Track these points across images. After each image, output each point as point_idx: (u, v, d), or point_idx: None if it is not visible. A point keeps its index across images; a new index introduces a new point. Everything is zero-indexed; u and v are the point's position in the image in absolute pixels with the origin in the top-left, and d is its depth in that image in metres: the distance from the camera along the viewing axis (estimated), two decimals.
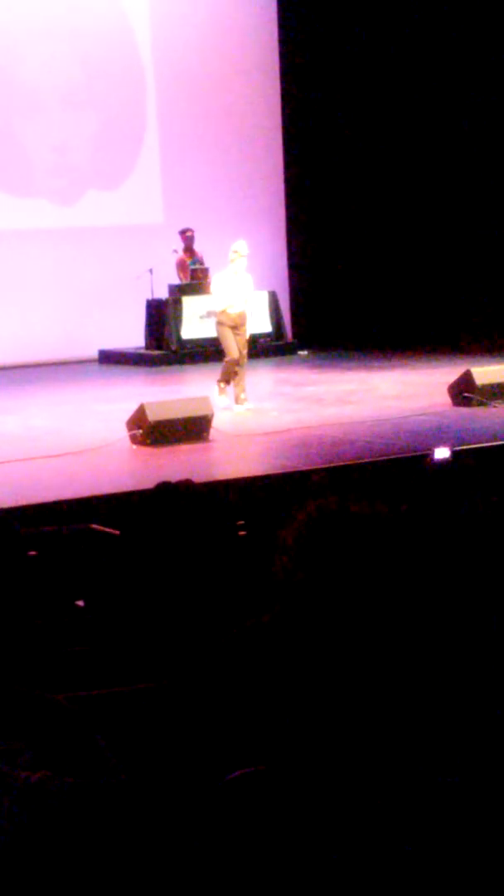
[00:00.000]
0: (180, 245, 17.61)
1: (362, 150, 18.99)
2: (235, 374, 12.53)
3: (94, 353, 17.90)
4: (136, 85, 18.91)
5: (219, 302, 12.62)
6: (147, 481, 6.03)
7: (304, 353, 17.99)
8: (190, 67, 19.01)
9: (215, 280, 13.12)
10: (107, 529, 5.39)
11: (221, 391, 12.52)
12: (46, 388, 14.93)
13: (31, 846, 1.59)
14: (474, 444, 9.83)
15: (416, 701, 1.75)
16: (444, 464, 8.51)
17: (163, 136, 19.08)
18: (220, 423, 11.06)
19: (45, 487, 8.75)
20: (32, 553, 4.70)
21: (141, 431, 10.56)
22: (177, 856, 1.62)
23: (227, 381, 12.63)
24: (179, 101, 19.05)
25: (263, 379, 14.81)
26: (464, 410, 11.80)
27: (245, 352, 12.61)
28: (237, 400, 12.47)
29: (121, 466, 9.90)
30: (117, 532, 4.69)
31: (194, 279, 17.17)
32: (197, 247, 17.51)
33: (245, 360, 12.60)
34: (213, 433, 10.83)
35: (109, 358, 17.84)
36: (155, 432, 10.51)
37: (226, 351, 12.59)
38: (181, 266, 17.55)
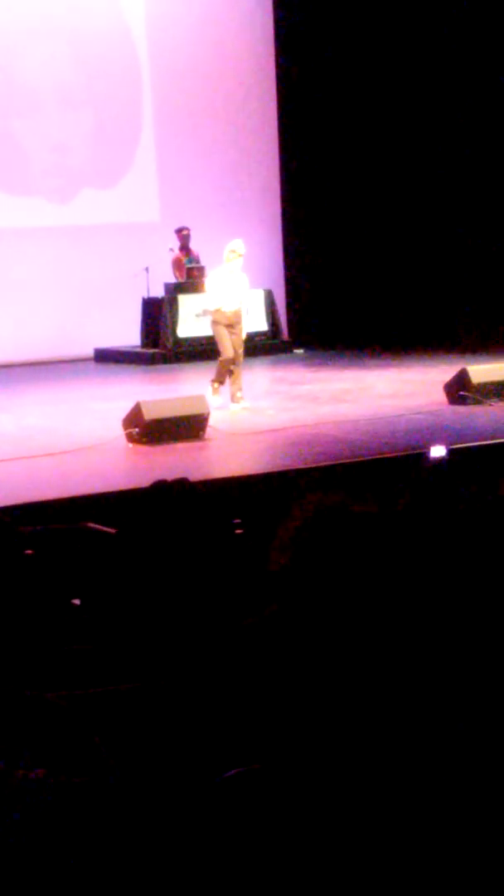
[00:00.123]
0: (176, 243, 17.60)
1: (358, 148, 18.98)
2: (231, 372, 12.52)
3: (90, 352, 17.89)
4: (132, 84, 18.89)
5: (213, 300, 12.62)
6: (143, 480, 6.02)
7: (299, 351, 17.99)
8: (186, 66, 18.99)
9: (210, 278, 13.10)
10: (103, 528, 5.39)
11: (215, 391, 12.47)
12: (42, 387, 14.91)
13: (28, 845, 1.59)
14: (470, 442, 9.84)
15: (414, 696, 1.75)
16: (440, 462, 8.53)
17: (159, 135, 19.07)
18: (216, 421, 11.06)
19: (41, 486, 8.75)
20: (28, 552, 4.69)
21: (137, 430, 10.56)
22: (174, 853, 1.62)
23: (221, 382, 12.58)
24: (176, 100, 19.04)
25: (259, 377, 14.81)
26: (460, 409, 11.81)
27: (241, 350, 12.59)
28: (233, 398, 12.46)
29: (117, 465, 9.90)
30: (113, 531, 4.68)
31: (190, 278, 17.15)
32: (193, 245, 17.50)
33: (241, 358, 12.58)
34: (209, 432, 10.83)
35: (105, 356, 17.82)
36: (151, 431, 10.51)
37: (221, 350, 12.57)
38: (177, 264, 17.55)
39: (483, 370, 12.31)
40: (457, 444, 9.60)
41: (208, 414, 10.95)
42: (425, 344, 16.93)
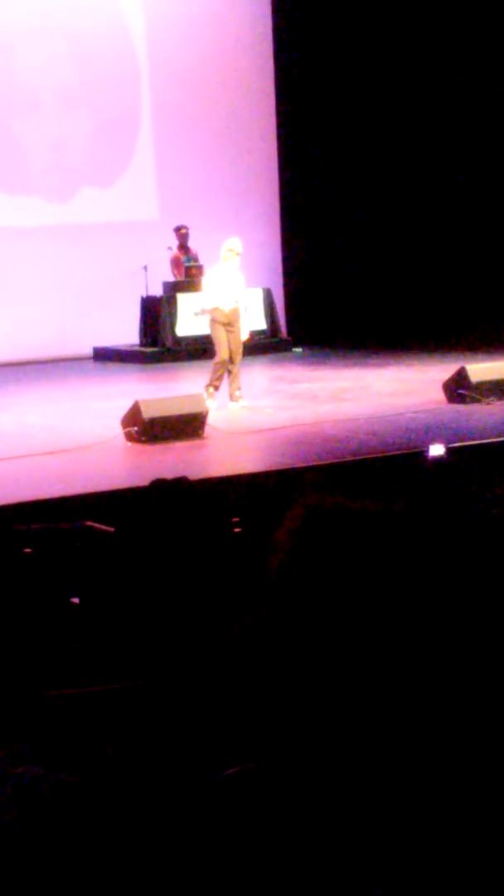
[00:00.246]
0: (175, 242, 17.60)
1: (357, 146, 18.98)
2: (230, 372, 12.48)
3: (89, 351, 17.88)
4: (131, 82, 18.89)
5: (211, 299, 12.58)
6: (142, 478, 6.03)
7: (298, 350, 17.98)
8: (185, 65, 18.99)
9: (208, 277, 13.06)
10: (102, 527, 5.39)
11: (210, 396, 12.19)
12: (41, 386, 14.91)
13: (28, 843, 1.59)
14: (469, 441, 9.84)
15: (412, 697, 1.75)
16: (438, 460, 8.53)
17: (157, 133, 19.06)
18: (215, 420, 11.05)
19: (40, 485, 8.75)
20: (27, 550, 4.70)
21: (136, 429, 10.56)
22: (173, 851, 1.62)
23: (217, 387, 12.39)
24: (174, 98, 19.03)
25: (258, 376, 14.80)
26: (458, 407, 11.81)
27: (240, 349, 12.54)
28: (232, 397, 12.44)
29: (115, 464, 9.90)
30: (112, 529, 4.68)
31: (189, 276, 17.14)
32: (192, 244, 17.50)
33: (240, 357, 12.54)
34: (207, 430, 10.83)
35: (104, 355, 17.81)
36: (150, 429, 10.51)
37: (217, 350, 12.50)
38: (176, 263, 17.54)
39: (482, 369, 12.31)
40: (456, 442, 9.60)
41: (207, 413, 10.95)
42: (424, 342, 16.93)
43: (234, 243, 12.58)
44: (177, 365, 16.47)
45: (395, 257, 18.71)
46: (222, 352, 12.38)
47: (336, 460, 9.37)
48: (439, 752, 1.75)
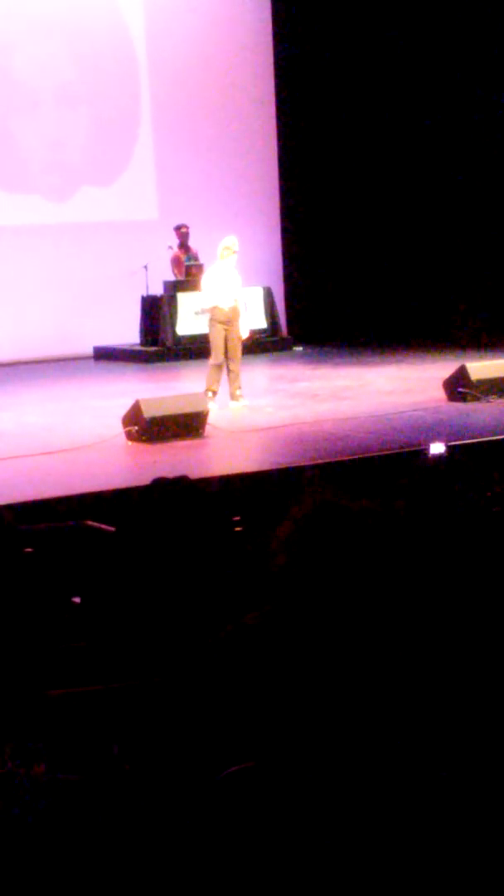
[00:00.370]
0: (175, 241, 17.60)
1: (357, 145, 18.98)
2: (230, 371, 12.45)
3: (89, 350, 17.88)
4: (130, 81, 18.88)
5: (209, 299, 12.56)
6: (142, 478, 6.03)
7: (298, 348, 17.98)
8: (184, 63, 18.98)
9: (206, 276, 13.03)
10: (102, 526, 5.40)
11: (210, 399, 12.02)
12: (41, 385, 14.91)
13: (38, 840, 1.60)
14: (469, 439, 9.84)
15: (412, 695, 1.75)
16: (439, 459, 8.52)
17: (157, 132, 19.06)
18: (215, 419, 11.06)
19: (41, 484, 8.75)
20: (28, 550, 4.70)
21: (136, 428, 10.57)
22: (173, 849, 1.62)
23: (215, 391, 12.29)
24: (174, 97, 19.03)
25: (258, 375, 14.81)
26: (459, 405, 11.81)
27: (239, 347, 12.50)
28: (233, 396, 12.42)
29: (116, 463, 9.91)
30: (113, 528, 4.69)
31: (189, 275, 17.14)
32: (192, 243, 17.49)
33: (240, 356, 12.51)
34: (208, 429, 10.83)
35: (104, 354, 17.82)
36: (150, 429, 10.51)
37: (213, 351, 12.44)
38: (176, 262, 17.54)
39: (482, 367, 12.32)
40: (456, 440, 9.60)
41: (207, 412, 10.95)
42: (424, 340, 16.93)
43: (231, 241, 12.56)
44: (177, 364, 16.47)
45: (396, 256, 18.71)
46: (217, 355, 12.33)
47: (336, 459, 9.38)
48: (440, 749, 1.76)
